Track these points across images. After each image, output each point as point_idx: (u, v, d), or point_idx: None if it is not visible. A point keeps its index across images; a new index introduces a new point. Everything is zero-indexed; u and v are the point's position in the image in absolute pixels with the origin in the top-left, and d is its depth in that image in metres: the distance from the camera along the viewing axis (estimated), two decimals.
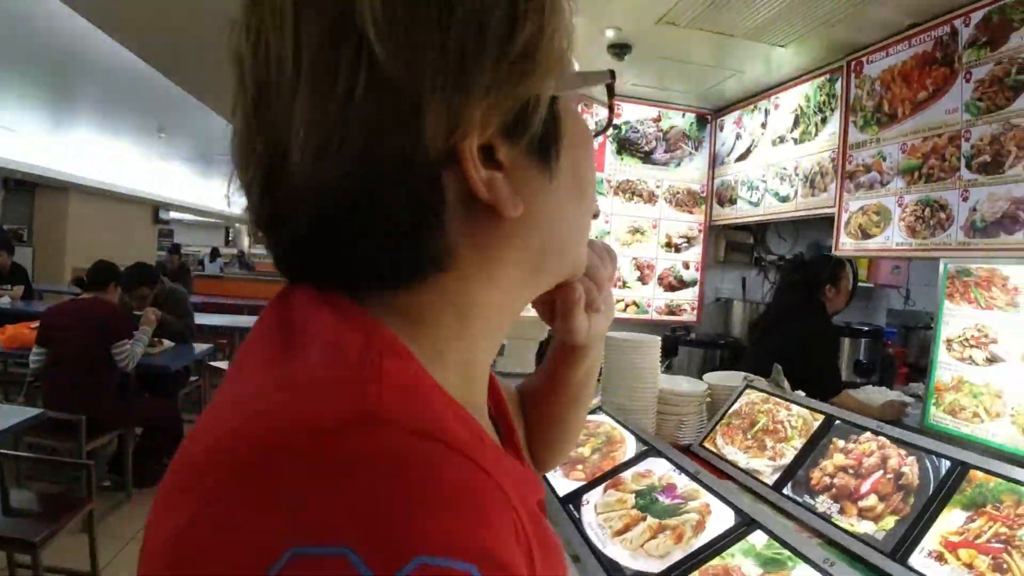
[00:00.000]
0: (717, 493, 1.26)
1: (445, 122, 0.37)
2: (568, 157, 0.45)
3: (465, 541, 0.29)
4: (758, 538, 1.11)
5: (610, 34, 3.41)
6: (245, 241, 27.12)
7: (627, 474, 1.47)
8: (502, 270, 0.45)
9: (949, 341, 2.66)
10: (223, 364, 6.22)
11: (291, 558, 0.27)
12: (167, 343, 4.91)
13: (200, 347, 5.35)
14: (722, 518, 1.19)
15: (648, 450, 1.54)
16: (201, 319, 5.85)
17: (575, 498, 1.46)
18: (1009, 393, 2.38)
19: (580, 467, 1.58)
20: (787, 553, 1.05)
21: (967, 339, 2.58)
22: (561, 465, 1.64)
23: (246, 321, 7.11)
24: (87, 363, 3.91)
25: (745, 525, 1.14)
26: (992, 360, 2.46)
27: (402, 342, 0.40)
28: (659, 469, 1.45)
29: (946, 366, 2.66)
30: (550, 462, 0.79)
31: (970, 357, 2.55)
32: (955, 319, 2.65)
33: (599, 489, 1.45)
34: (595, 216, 0.52)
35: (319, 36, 0.37)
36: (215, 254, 17.47)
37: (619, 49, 3.56)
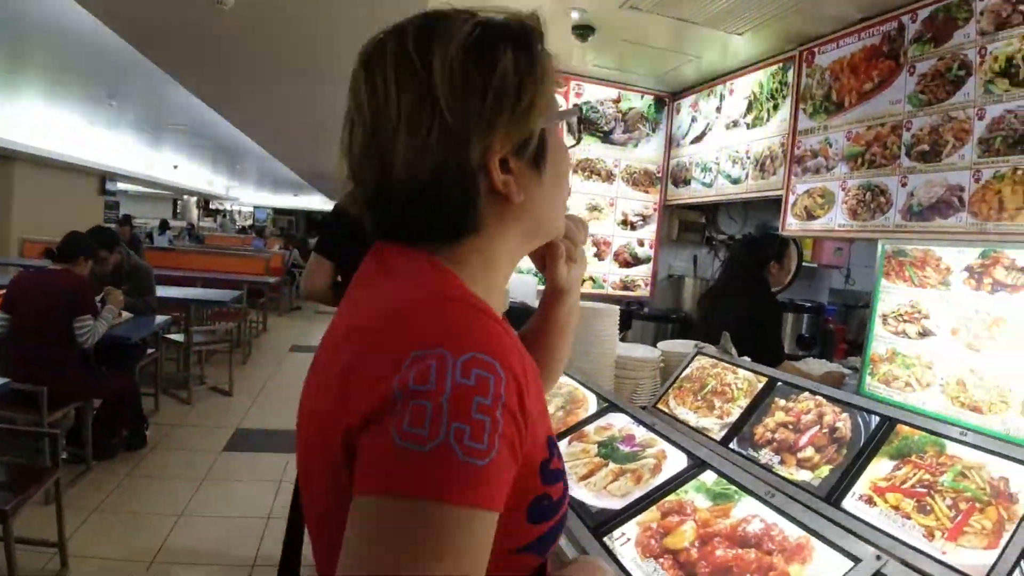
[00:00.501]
0: (672, 440, 1.39)
1: (480, 149, 0.67)
2: (551, 165, 0.75)
3: (493, 350, 0.59)
4: (708, 476, 1.23)
5: (575, 16, 3.50)
6: (194, 213, 26.52)
7: (590, 428, 1.58)
8: (511, 233, 0.75)
9: (885, 316, 2.84)
10: (179, 337, 6.16)
11: (414, 356, 0.57)
12: (125, 315, 4.86)
13: (159, 319, 5.30)
14: (676, 462, 1.31)
15: (608, 406, 1.66)
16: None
17: None
18: (939, 364, 2.56)
19: None
20: (733, 488, 1.18)
21: (901, 314, 2.76)
22: None
23: (199, 294, 7.01)
24: (52, 335, 3.87)
25: (697, 466, 1.27)
26: (924, 334, 2.64)
27: (451, 270, 0.70)
28: (619, 423, 1.57)
29: (881, 339, 2.84)
30: (549, 383, 1.09)
31: (904, 331, 2.74)
32: (891, 296, 2.82)
33: (564, 441, 1.57)
34: (567, 195, 0.83)
35: (413, 100, 0.66)
36: (164, 226, 17.08)
37: (583, 31, 3.65)
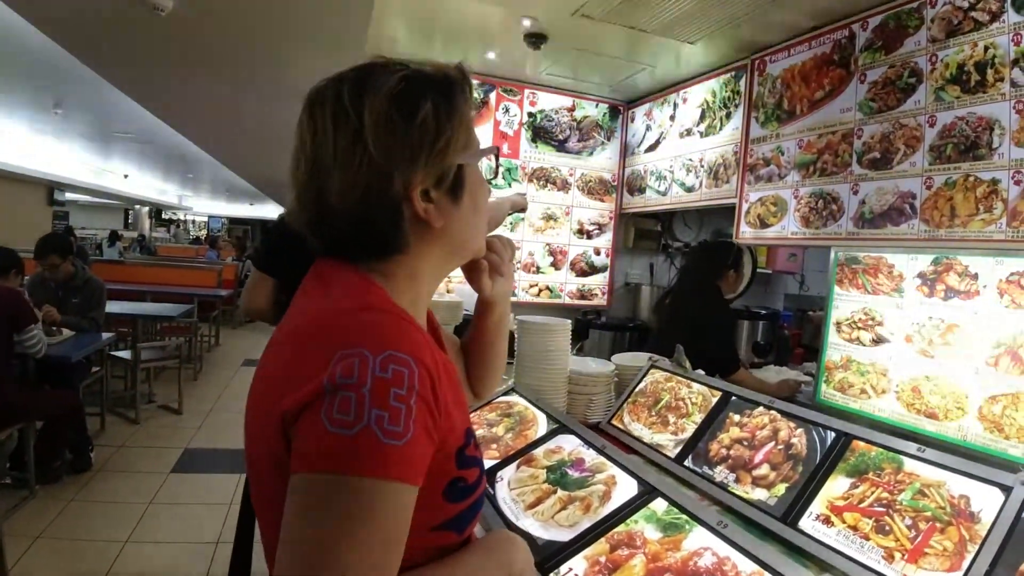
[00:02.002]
0: (622, 465, 1.32)
1: (403, 182, 0.78)
2: (469, 195, 0.86)
3: (407, 348, 0.69)
4: (659, 505, 1.17)
5: (527, 23, 3.45)
6: (146, 224, 25.89)
7: (539, 451, 1.51)
8: (434, 253, 0.86)
9: (839, 323, 2.84)
10: (125, 354, 5.93)
11: (340, 355, 0.66)
12: (67, 332, 4.67)
13: (104, 336, 5.09)
14: (626, 488, 1.25)
15: (558, 428, 1.59)
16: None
17: (490, 475, 1.49)
18: (893, 371, 2.57)
19: (494, 446, 1.62)
20: (685, 517, 1.12)
21: (855, 322, 2.76)
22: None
23: (148, 308, 6.78)
24: None
25: (647, 493, 1.20)
26: (878, 341, 2.64)
27: (379, 283, 0.81)
28: (568, 445, 1.50)
29: (836, 346, 2.85)
30: (486, 390, 1.21)
31: (858, 338, 2.74)
32: (844, 303, 2.83)
33: (512, 466, 1.49)
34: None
35: (346, 141, 0.77)
36: (114, 237, 16.58)
37: (535, 39, 3.60)
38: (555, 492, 1.32)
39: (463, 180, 0.85)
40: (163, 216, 28.76)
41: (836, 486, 1.39)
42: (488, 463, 1.56)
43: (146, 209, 25.59)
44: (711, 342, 3.07)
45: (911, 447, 1.37)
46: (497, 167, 0.96)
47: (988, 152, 2.30)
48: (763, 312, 4.41)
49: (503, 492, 1.39)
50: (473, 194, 0.87)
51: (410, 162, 0.79)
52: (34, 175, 12.83)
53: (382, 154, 0.77)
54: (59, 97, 8.19)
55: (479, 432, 1.72)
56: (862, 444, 1.44)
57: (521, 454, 1.53)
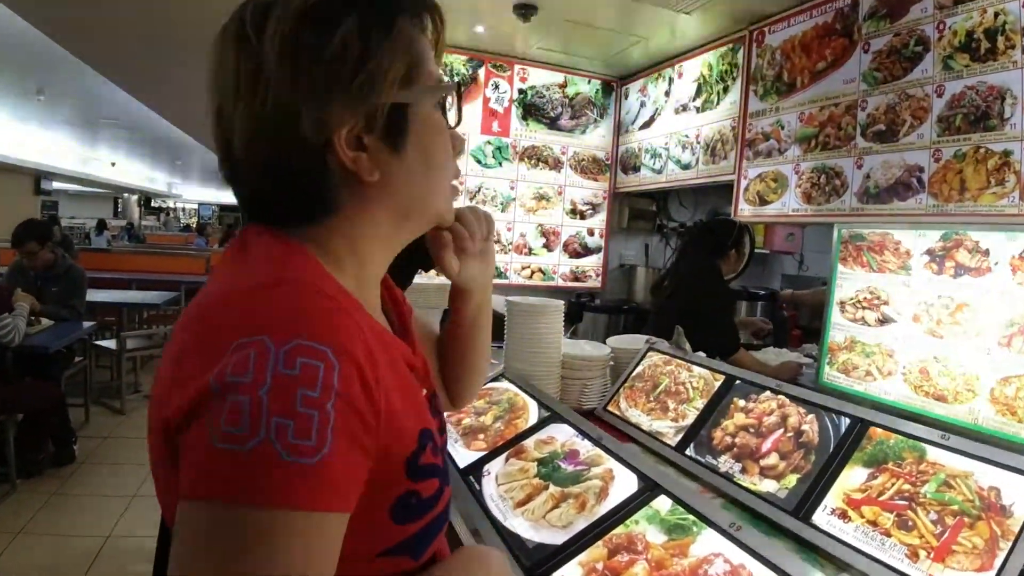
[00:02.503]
0: (620, 458, 1.20)
1: (314, 124, 0.62)
2: (416, 143, 0.69)
3: (326, 335, 0.54)
4: (662, 503, 1.06)
5: None
6: (135, 212, 25.67)
7: (529, 442, 1.40)
8: (375, 216, 0.70)
9: (842, 303, 2.73)
10: (111, 343, 5.80)
11: (236, 344, 0.52)
12: (45, 322, 4.55)
13: (85, 325, 4.96)
14: (625, 483, 1.13)
15: (550, 416, 1.47)
16: (87, 296, 5.42)
17: (476, 469, 1.37)
18: (900, 352, 2.46)
19: (481, 436, 1.50)
20: (692, 518, 1.01)
21: (859, 301, 2.65)
22: (462, 435, 1.56)
23: (136, 297, 6.65)
24: None
25: (649, 490, 1.08)
26: (884, 321, 2.53)
27: (312, 253, 0.66)
28: (561, 435, 1.38)
29: (839, 327, 2.74)
30: (464, 396, 1.04)
31: (862, 318, 2.63)
32: (848, 282, 2.72)
33: (501, 459, 1.37)
34: (455, 177, 0.78)
35: (248, 78, 0.62)
36: (102, 226, 16.37)
37: (524, 9, 3.45)
38: (547, 488, 1.20)
39: (405, 123, 0.68)
40: (152, 204, 28.52)
41: (852, 477, 1.28)
42: (475, 455, 1.44)
43: (135, 197, 25.36)
44: (711, 323, 2.97)
45: (935, 434, 1.26)
46: (460, 112, 0.76)
47: (1000, 123, 2.18)
48: (761, 293, 4.29)
49: (490, 488, 1.27)
50: (423, 143, 0.70)
51: (323, 97, 0.62)
52: (19, 163, 12.64)
53: (286, 86, 0.61)
54: (41, 83, 8.04)
55: (465, 422, 1.60)
56: (880, 431, 1.33)
57: (510, 445, 1.41)
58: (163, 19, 4.08)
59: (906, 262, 2.47)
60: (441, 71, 0.74)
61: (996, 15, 2.19)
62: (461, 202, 4.35)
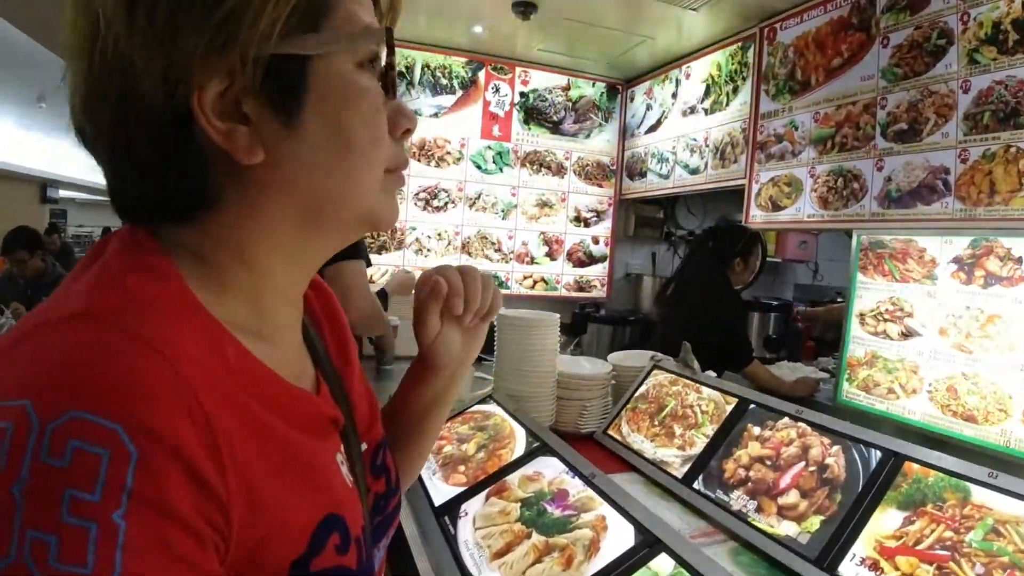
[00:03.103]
0: (615, 502, 1.03)
1: (158, 82, 0.44)
2: (321, 113, 0.50)
3: (116, 407, 0.36)
4: (663, 563, 0.88)
5: None
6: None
7: (513, 477, 1.22)
8: (269, 213, 0.51)
9: (862, 315, 2.56)
10: None
11: (10, 405, 0.36)
12: None
13: None
14: (621, 535, 0.96)
15: (539, 447, 1.30)
16: None
17: (452, 508, 1.20)
18: (925, 368, 2.28)
19: (462, 468, 1.33)
20: None
21: (881, 313, 2.48)
22: (441, 466, 1.40)
23: None
24: None
25: (648, 546, 0.91)
26: (907, 334, 2.36)
27: (174, 266, 0.48)
28: (550, 471, 1.21)
29: (859, 341, 2.56)
30: (405, 475, 0.80)
31: (884, 331, 2.46)
32: (868, 292, 2.54)
33: (480, 497, 1.20)
34: (397, 166, 0.57)
35: (84, 29, 0.46)
36: (106, 231, 16.32)
37: (524, 7, 3.31)
38: (529, 536, 1.03)
39: (302, 84, 0.48)
40: None
41: (885, 521, 1.11)
42: (453, 491, 1.27)
43: None
44: (722, 333, 2.81)
45: (981, 472, 1.09)
46: (390, 74, 0.55)
47: None
48: (775, 304, 4.13)
49: (466, 532, 1.10)
50: (334, 113, 0.50)
51: (166, 42, 0.43)
52: (24, 172, 12.56)
53: (123, 30, 0.43)
54: (42, 90, 7.95)
55: (446, 450, 1.43)
56: (917, 467, 1.15)
57: (492, 480, 1.24)
58: None
59: (931, 271, 2.30)
60: (374, 20, 0.54)
61: None
62: (459, 212, 4.26)
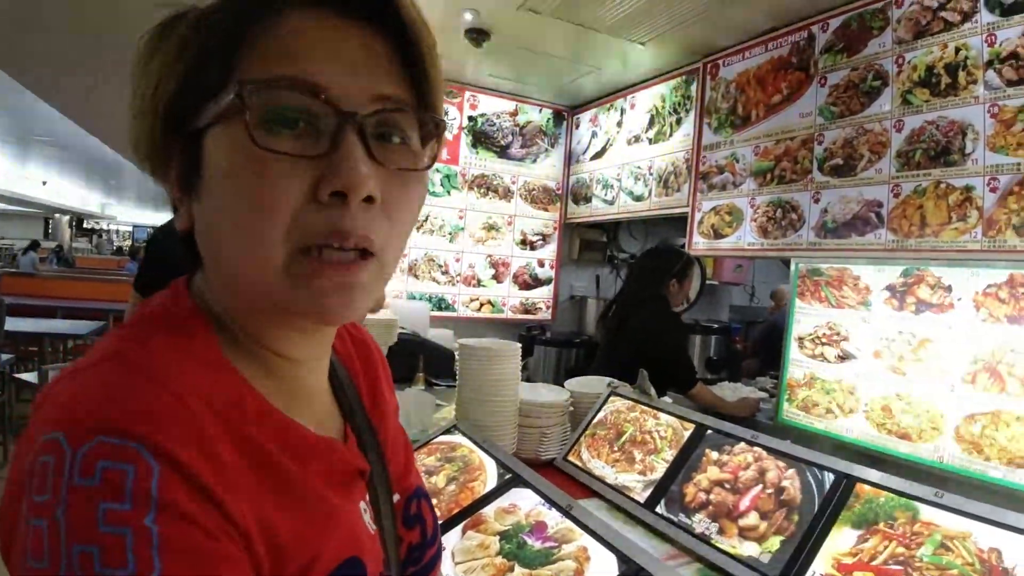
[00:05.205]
0: (595, 533, 1.07)
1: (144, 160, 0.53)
2: (211, 187, 0.49)
3: (137, 432, 0.40)
4: None
5: (468, 17, 3.20)
6: (66, 233, 24.68)
7: (489, 510, 1.24)
8: (213, 275, 0.54)
9: (801, 339, 2.68)
10: (32, 376, 5.41)
11: (40, 444, 0.40)
12: None
13: (3, 358, 4.61)
14: (604, 565, 0.99)
15: (512, 479, 1.32)
16: (6, 324, 5.05)
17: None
18: (862, 389, 2.41)
19: (435, 501, 1.34)
20: None
21: (818, 336, 2.60)
22: None
23: (59, 326, 6.25)
24: None
25: (632, 575, 0.95)
26: (844, 357, 2.48)
27: (205, 326, 0.51)
28: (525, 503, 1.23)
29: (798, 363, 2.68)
30: None
31: (822, 354, 2.57)
32: (806, 317, 2.67)
33: (457, 530, 1.21)
34: (318, 243, 0.48)
35: None
36: (34, 247, 15.55)
37: (477, 35, 3.36)
38: (512, 570, 1.05)
39: (198, 155, 0.49)
40: (84, 225, 27.48)
41: (841, 539, 1.17)
42: None
43: (66, 218, 24.41)
44: (666, 358, 2.88)
45: (928, 492, 1.16)
46: (257, 123, 0.46)
47: (961, 158, 2.17)
48: (715, 326, 4.26)
49: (446, 567, 1.11)
50: (220, 183, 0.49)
51: (135, 118, 0.52)
52: None
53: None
54: None
55: None
56: (868, 488, 1.23)
57: (467, 514, 1.26)
58: (94, 41, 3.89)
59: (866, 298, 2.44)
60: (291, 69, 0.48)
61: (957, 50, 2.18)
62: (412, 236, 4.23)
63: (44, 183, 16.24)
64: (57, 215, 23.62)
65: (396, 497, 0.65)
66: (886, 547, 1.12)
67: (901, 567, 1.07)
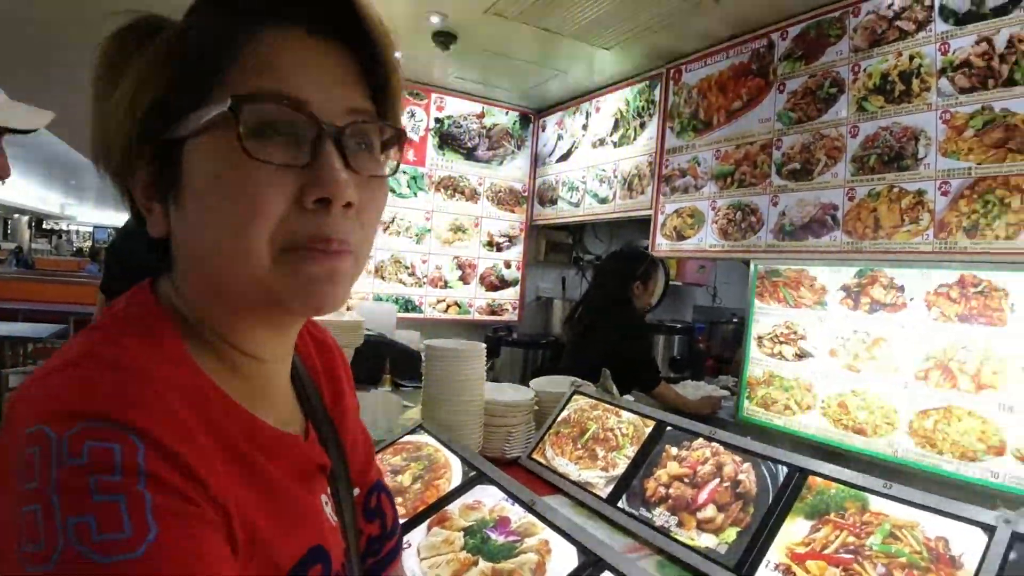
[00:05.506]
0: (556, 527, 1.10)
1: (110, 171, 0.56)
2: (196, 192, 0.52)
3: (118, 415, 0.42)
4: None
5: (435, 20, 3.22)
6: (25, 235, 24.09)
7: (454, 507, 1.26)
8: (193, 285, 0.56)
9: (760, 338, 2.74)
10: None
11: (24, 436, 0.41)
12: None
13: None
14: (565, 557, 1.02)
15: (476, 476, 1.35)
16: None
17: None
18: (819, 386, 2.48)
19: (400, 500, 1.36)
20: None
21: (777, 336, 2.67)
22: None
23: (18, 329, 6.10)
24: None
25: (591, 565, 0.98)
26: (801, 355, 2.55)
27: (170, 326, 0.54)
28: (489, 499, 1.26)
29: (757, 362, 2.75)
30: None
31: (780, 353, 2.64)
32: (765, 317, 2.73)
33: (422, 527, 1.23)
34: (303, 243, 0.52)
35: None
36: None
37: (444, 38, 3.38)
38: (476, 563, 1.07)
39: (179, 164, 0.52)
40: (44, 226, 26.86)
41: (795, 530, 1.22)
42: None
43: (25, 218, 23.82)
44: (628, 356, 2.93)
45: (877, 483, 1.21)
46: (243, 131, 0.49)
47: (914, 162, 2.24)
48: (678, 326, 4.33)
49: (412, 563, 1.13)
50: (205, 189, 0.52)
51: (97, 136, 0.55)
52: None
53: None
54: None
55: None
56: (820, 480, 1.27)
57: (432, 511, 1.28)
58: (60, 41, 3.82)
59: (822, 298, 2.51)
60: (268, 82, 0.51)
61: (911, 58, 2.26)
62: (379, 237, 4.21)
63: (2, 183, 15.87)
64: (16, 215, 23.04)
65: (356, 491, 0.67)
66: (837, 536, 1.17)
67: (852, 555, 1.12)
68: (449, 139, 4.47)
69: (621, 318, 3.14)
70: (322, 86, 0.52)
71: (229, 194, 0.50)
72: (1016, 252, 2.00)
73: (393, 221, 4.31)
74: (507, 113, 4.67)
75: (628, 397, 2.05)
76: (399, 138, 0.59)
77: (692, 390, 3.21)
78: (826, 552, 1.15)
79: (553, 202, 4.54)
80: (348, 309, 3.49)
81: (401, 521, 1.30)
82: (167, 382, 0.48)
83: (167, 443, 0.43)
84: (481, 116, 4.57)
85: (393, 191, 4.28)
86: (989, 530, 1.04)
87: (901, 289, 2.25)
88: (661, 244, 3.48)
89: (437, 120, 4.42)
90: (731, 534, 1.28)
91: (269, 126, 0.50)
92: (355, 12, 0.53)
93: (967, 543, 1.05)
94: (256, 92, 0.50)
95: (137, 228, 0.57)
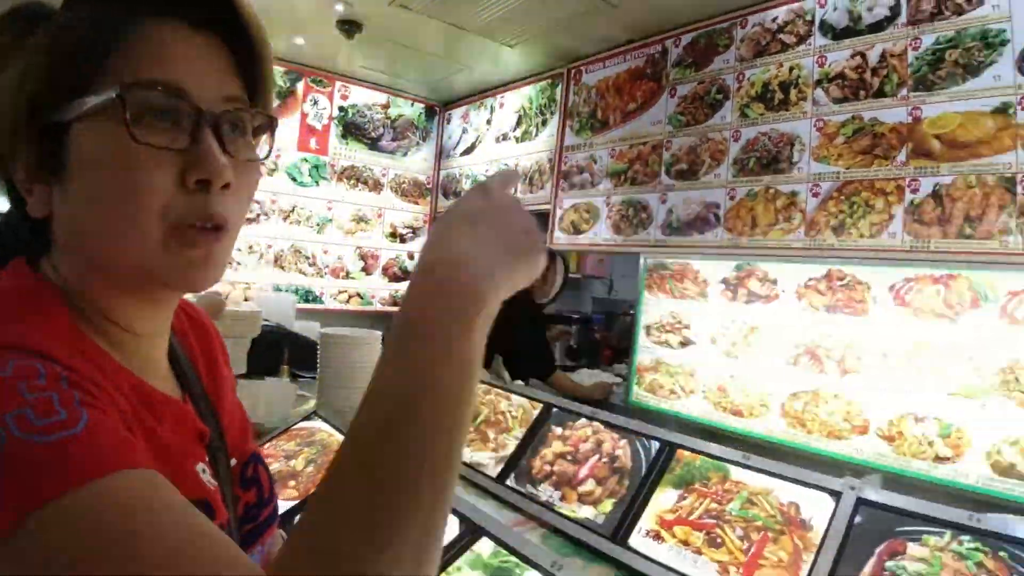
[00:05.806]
0: None
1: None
2: (81, 174, 0.54)
3: (32, 345, 0.47)
4: (484, 546, 1.02)
5: (340, 8, 3.21)
6: None
7: None
8: (71, 263, 0.58)
9: (648, 327, 2.89)
10: None
11: None
12: None
13: None
14: (448, 527, 1.09)
15: None
16: None
17: (287, 520, 1.27)
18: (700, 372, 2.64)
19: (292, 483, 1.39)
20: (515, 560, 0.99)
21: (663, 325, 2.82)
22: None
23: None
24: None
25: (470, 533, 1.05)
26: (685, 343, 2.71)
27: (51, 293, 0.56)
28: None
29: (646, 349, 2.89)
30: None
31: (666, 341, 2.79)
32: (653, 308, 2.88)
33: None
34: (189, 222, 0.55)
35: None
36: None
37: (349, 26, 3.37)
38: None
39: (63, 146, 0.54)
40: None
41: (664, 499, 1.33)
42: (285, 505, 1.33)
43: None
44: (525, 346, 3.02)
45: (736, 455, 1.34)
46: (131, 119, 0.52)
47: (788, 166, 2.43)
48: (576, 317, 4.47)
49: None
50: (91, 171, 0.54)
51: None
52: None
53: None
54: None
55: (274, 467, 1.48)
56: (687, 453, 1.39)
57: None
58: None
59: (704, 290, 2.67)
60: (152, 68, 0.54)
61: (791, 69, 2.45)
62: (273, 225, 4.15)
63: None
64: None
65: (233, 461, 0.70)
66: (701, 503, 1.29)
67: (714, 520, 1.23)
68: (353, 128, 4.44)
69: (518, 311, 3.21)
70: (201, 76, 0.56)
71: (118, 176, 0.53)
72: (878, 249, 2.20)
73: (293, 210, 4.25)
74: (412, 104, 4.68)
75: (519, 383, 2.13)
76: (271, 125, 0.64)
77: (587, 377, 3.33)
78: (691, 518, 1.26)
79: (457, 194, 4.58)
80: (246, 300, 3.44)
81: (294, 503, 1.33)
82: (60, 339, 0.51)
83: (80, 370, 0.47)
84: (386, 106, 4.56)
85: (294, 179, 4.23)
86: (836, 496, 1.17)
87: (775, 282, 2.43)
88: (559, 238, 3.59)
89: (341, 109, 4.38)
90: (608, 505, 1.38)
91: (152, 112, 0.53)
92: (232, 7, 0.57)
93: (816, 508, 1.18)
94: (140, 80, 0.52)
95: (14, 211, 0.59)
